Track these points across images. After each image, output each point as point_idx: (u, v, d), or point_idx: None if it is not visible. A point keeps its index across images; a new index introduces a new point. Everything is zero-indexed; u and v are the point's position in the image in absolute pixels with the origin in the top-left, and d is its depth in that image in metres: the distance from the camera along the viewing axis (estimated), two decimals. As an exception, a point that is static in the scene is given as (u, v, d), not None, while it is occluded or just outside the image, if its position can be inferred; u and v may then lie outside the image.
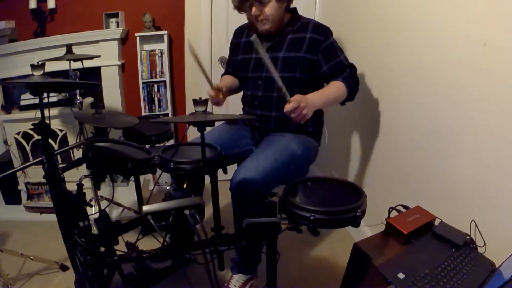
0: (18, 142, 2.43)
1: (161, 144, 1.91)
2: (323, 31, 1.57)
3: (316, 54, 1.55)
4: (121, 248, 1.35)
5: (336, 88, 1.52)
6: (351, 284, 1.19)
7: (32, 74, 1.29)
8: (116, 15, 2.68)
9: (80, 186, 1.42)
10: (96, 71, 2.71)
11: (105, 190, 2.59)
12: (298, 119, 1.35)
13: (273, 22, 1.53)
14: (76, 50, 2.10)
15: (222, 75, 1.89)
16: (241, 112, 1.80)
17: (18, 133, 2.41)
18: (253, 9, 1.50)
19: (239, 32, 1.76)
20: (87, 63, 2.22)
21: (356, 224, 1.04)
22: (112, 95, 2.79)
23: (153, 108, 2.85)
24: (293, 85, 1.58)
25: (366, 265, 1.06)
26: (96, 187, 2.04)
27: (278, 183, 1.45)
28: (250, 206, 1.40)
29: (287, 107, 1.30)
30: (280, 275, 1.28)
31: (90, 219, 1.41)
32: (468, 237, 1.11)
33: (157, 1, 2.74)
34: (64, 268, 1.84)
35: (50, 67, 2.38)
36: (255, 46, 1.19)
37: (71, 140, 2.40)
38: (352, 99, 1.60)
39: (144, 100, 2.80)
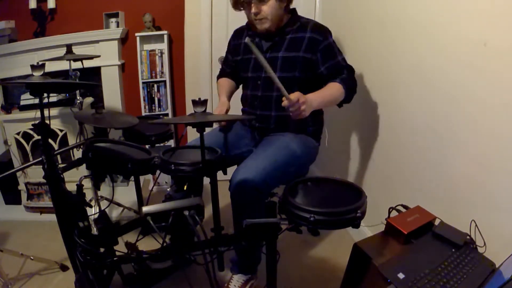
0: (18, 142, 2.43)
1: (161, 144, 1.91)
2: (322, 31, 1.57)
3: (315, 54, 1.55)
4: (121, 248, 1.35)
5: (334, 89, 1.52)
6: (351, 284, 1.19)
7: (32, 74, 1.29)
8: (116, 15, 2.67)
9: (80, 186, 1.42)
10: (96, 71, 2.71)
11: (105, 190, 2.59)
12: (296, 114, 1.35)
13: (272, 21, 1.53)
14: (76, 50, 2.10)
15: (218, 76, 1.88)
16: (240, 112, 1.80)
17: (18, 133, 2.41)
18: (252, 7, 1.50)
19: (239, 33, 1.76)
20: (87, 63, 2.22)
21: (356, 225, 1.04)
22: (112, 95, 2.79)
23: (153, 108, 2.84)
24: (293, 84, 1.58)
25: (366, 265, 1.07)
26: (96, 187, 2.05)
27: (278, 183, 1.45)
28: (250, 206, 1.40)
29: (286, 102, 1.30)
30: (280, 276, 1.27)
31: (90, 219, 1.41)
32: (468, 237, 1.11)
33: (157, 1, 2.74)
34: (64, 268, 1.84)
35: (50, 67, 2.38)
36: (250, 48, 1.19)
37: (71, 140, 2.40)
38: (349, 101, 1.61)
39: (144, 100, 2.80)
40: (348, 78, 1.55)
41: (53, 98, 2.39)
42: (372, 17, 1.85)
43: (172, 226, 1.06)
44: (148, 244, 1.25)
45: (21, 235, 2.23)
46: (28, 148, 2.43)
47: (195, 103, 1.20)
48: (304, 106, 1.34)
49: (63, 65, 2.33)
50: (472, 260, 1.04)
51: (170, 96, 2.83)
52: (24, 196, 2.50)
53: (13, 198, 2.59)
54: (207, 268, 1.08)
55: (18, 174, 2.44)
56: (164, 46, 2.72)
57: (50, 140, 2.35)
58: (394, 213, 1.24)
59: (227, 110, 1.64)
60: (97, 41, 2.64)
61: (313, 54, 1.55)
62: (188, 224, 1.05)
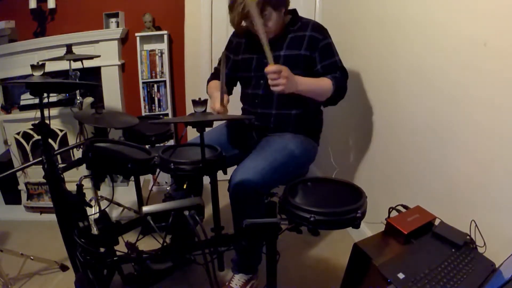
0: (18, 142, 2.43)
1: (161, 144, 1.91)
2: (322, 31, 1.59)
3: (314, 52, 1.56)
4: (121, 248, 1.35)
5: (323, 82, 1.52)
6: (351, 284, 1.19)
7: (32, 74, 1.29)
8: (116, 15, 2.68)
9: (80, 186, 1.42)
10: (96, 71, 2.71)
11: (105, 190, 2.59)
12: (273, 84, 1.34)
13: (276, 31, 1.56)
14: (76, 50, 2.10)
15: (209, 79, 1.84)
16: (240, 111, 1.80)
17: (18, 133, 2.41)
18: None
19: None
20: (87, 63, 2.22)
21: (356, 225, 1.03)
22: (112, 95, 2.79)
23: (153, 108, 2.85)
24: None
25: (366, 265, 1.07)
26: (96, 187, 2.05)
27: (277, 184, 1.45)
28: (249, 207, 1.40)
29: (269, 67, 1.31)
30: (280, 275, 1.27)
31: (90, 219, 1.41)
32: (468, 237, 1.11)
33: (157, 1, 2.74)
34: (64, 268, 1.84)
35: (50, 67, 2.38)
36: (249, 8, 1.24)
37: (71, 140, 2.40)
38: (335, 104, 1.60)
39: (144, 100, 2.80)
40: (341, 78, 1.56)
41: (53, 98, 2.39)
42: (372, 17, 1.85)
43: (172, 226, 1.06)
44: (148, 244, 1.25)
45: (21, 235, 2.23)
46: (28, 148, 2.42)
47: (195, 103, 1.20)
48: (285, 80, 1.33)
49: (63, 65, 2.33)
50: (472, 260, 1.04)
51: (170, 96, 2.83)
52: (24, 196, 2.50)
53: (13, 198, 2.59)
54: (207, 268, 1.07)
55: (18, 174, 2.43)
56: (164, 46, 2.72)
57: (50, 140, 2.35)
58: (394, 213, 1.24)
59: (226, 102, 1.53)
60: (97, 41, 2.64)
61: (312, 52, 1.56)
62: (188, 224, 1.05)
